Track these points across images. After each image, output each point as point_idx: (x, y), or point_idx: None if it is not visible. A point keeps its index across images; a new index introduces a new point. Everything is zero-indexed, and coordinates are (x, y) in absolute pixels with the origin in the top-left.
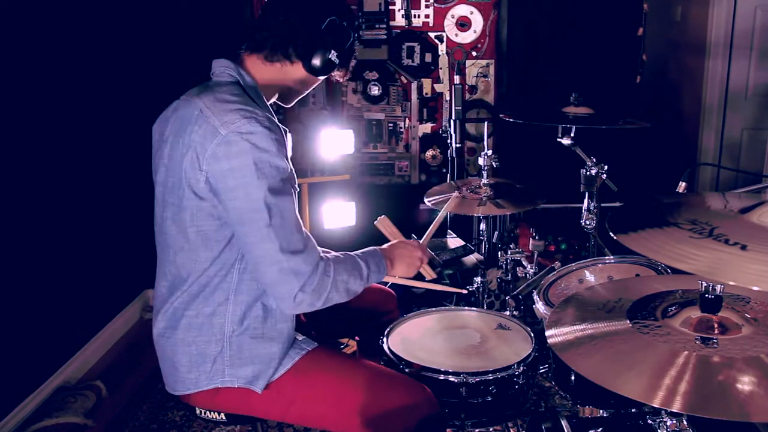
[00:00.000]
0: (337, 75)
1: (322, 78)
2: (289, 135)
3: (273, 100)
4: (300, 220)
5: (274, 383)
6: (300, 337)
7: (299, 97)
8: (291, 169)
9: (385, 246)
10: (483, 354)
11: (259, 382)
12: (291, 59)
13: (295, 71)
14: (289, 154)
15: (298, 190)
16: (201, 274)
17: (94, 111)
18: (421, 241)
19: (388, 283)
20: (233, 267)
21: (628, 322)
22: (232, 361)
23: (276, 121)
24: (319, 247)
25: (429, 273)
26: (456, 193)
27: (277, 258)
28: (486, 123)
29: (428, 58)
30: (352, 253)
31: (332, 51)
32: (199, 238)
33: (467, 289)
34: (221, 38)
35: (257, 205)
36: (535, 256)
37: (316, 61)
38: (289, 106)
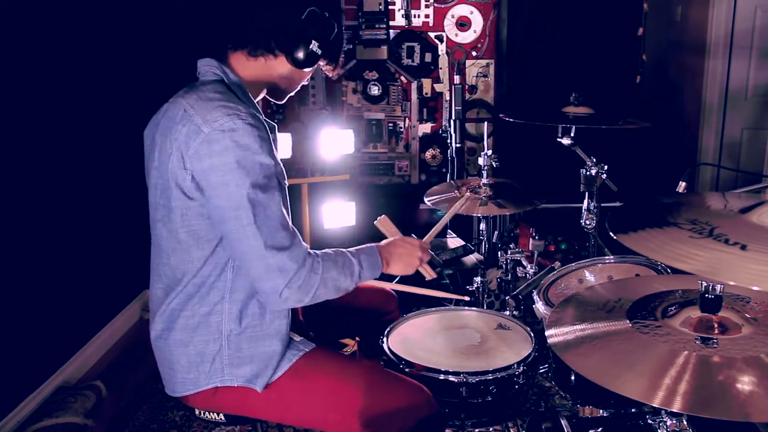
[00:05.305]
0: (326, 69)
1: (308, 70)
2: (277, 132)
3: (261, 96)
4: (286, 217)
5: (272, 384)
6: (297, 339)
7: (291, 93)
8: (276, 165)
9: (383, 243)
10: (483, 354)
11: (259, 380)
12: (274, 53)
13: (280, 65)
14: (278, 150)
15: (287, 184)
16: (195, 275)
17: (93, 114)
18: (423, 240)
19: (392, 283)
20: (227, 265)
21: (628, 322)
22: (231, 360)
23: (261, 117)
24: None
25: (429, 273)
26: (468, 194)
27: (262, 254)
28: (486, 123)
29: (428, 58)
30: (345, 250)
31: (313, 41)
32: (191, 238)
33: (469, 297)
34: (209, 37)
35: (241, 202)
36: (535, 256)
37: (299, 53)
38: (282, 102)
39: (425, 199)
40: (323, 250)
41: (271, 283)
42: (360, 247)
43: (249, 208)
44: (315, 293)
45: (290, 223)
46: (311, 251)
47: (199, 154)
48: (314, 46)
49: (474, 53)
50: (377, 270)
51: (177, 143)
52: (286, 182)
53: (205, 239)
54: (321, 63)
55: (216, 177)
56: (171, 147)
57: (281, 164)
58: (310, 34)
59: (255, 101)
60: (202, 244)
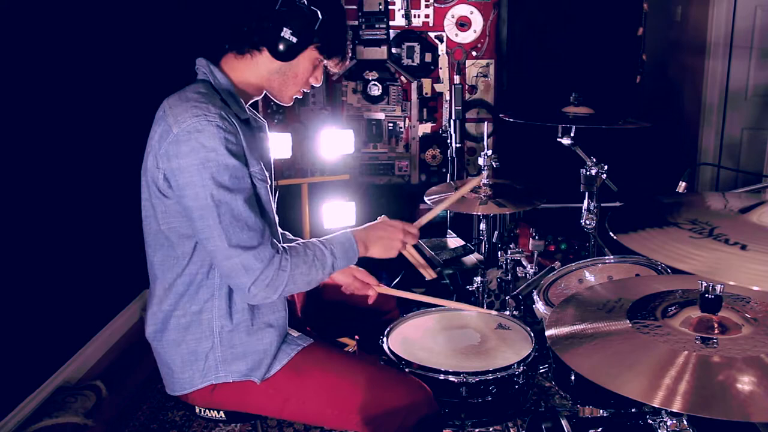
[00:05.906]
0: (329, 64)
1: (296, 63)
2: (267, 130)
3: (258, 97)
4: (255, 217)
5: (270, 379)
6: (295, 334)
7: (293, 93)
8: (248, 166)
9: (360, 228)
10: (483, 354)
11: (256, 374)
12: (258, 47)
13: (266, 60)
14: (276, 150)
15: (270, 184)
16: (181, 273)
17: (94, 114)
18: (413, 224)
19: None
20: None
21: (628, 322)
22: (225, 357)
23: (234, 118)
24: (281, 239)
25: (429, 273)
26: (473, 182)
27: (227, 253)
28: (486, 123)
29: (428, 58)
30: (317, 241)
31: (285, 29)
32: (173, 235)
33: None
34: (205, 38)
35: (206, 202)
36: (535, 256)
37: (277, 44)
38: (287, 103)
39: (425, 199)
40: (292, 244)
41: (237, 281)
42: (333, 235)
43: (214, 208)
44: (284, 289)
45: (260, 222)
46: (281, 247)
47: (168, 154)
48: (287, 33)
49: (474, 53)
50: (353, 256)
51: (152, 142)
52: (268, 182)
53: (186, 236)
54: (317, 56)
55: (183, 177)
56: (149, 146)
57: (262, 164)
58: (284, 22)
59: (246, 103)
60: (183, 241)
